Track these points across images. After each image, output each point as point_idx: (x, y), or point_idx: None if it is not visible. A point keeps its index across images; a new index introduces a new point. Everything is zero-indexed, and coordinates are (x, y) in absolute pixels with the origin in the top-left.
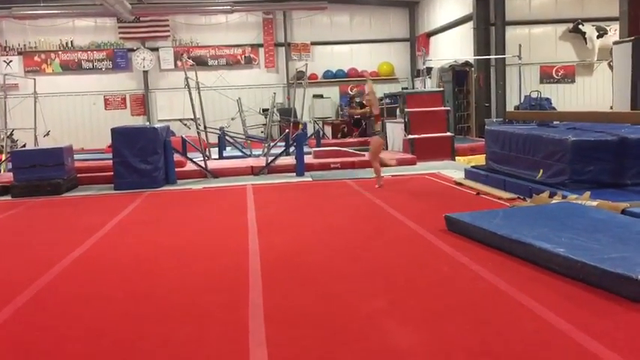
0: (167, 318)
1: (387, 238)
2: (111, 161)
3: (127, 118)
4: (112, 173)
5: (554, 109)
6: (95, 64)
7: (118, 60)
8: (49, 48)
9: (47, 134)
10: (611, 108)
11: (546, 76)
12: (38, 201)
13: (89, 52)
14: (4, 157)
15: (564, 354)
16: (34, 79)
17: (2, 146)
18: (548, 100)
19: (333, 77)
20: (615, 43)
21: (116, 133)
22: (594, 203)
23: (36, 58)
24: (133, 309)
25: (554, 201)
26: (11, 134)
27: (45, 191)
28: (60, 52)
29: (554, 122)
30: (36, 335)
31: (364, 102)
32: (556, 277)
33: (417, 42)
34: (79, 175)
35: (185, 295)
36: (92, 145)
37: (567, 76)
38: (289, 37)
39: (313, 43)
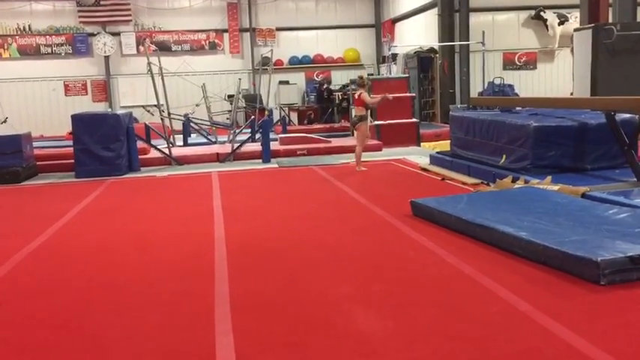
0: (131, 308)
1: (354, 224)
2: (71, 148)
3: (88, 105)
4: (73, 161)
5: (516, 95)
6: (54, 49)
7: (78, 45)
8: (5, 32)
9: (4, 121)
10: (572, 94)
11: (509, 62)
12: None
13: (48, 37)
14: None
15: (526, 335)
16: None
17: None
18: (510, 86)
19: (298, 63)
20: (576, 30)
21: (77, 119)
22: (555, 187)
23: None
24: (96, 299)
25: (516, 185)
26: None
27: (3, 180)
28: (17, 37)
29: (517, 108)
30: None
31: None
32: (519, 260)
33: (383, 28)
34: (38, 163)
35: (149, 284)
36: (52, 132)
37: (529, 62)
38: (254, 22)
39: (278, 29)
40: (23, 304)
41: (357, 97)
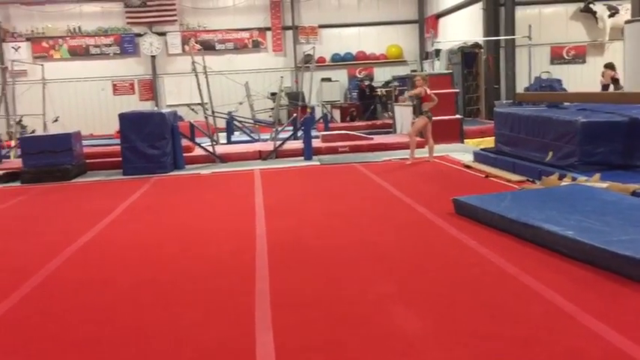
0: (173, 303)
1: (395, 222)
2: (119, 147)
3: (135, 104)
4: (121, 158)
5: (564, 90)
6: (103, 49)
7: (126, 45)
8: (56, 34)
9: (56, 120)
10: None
11: (557, 56)
12: (47, 187)
13: (97, 38)
14: (13, 143)
15: (570, 336)
16: (42, 65)
17: (12, 132)
18: (558, 81)
19: (341, 60)
20: (627, 22)
21: (124, 118)
22: (604, 185)
23: (44, 44)
24: (140, 294)
25: (563, 183)
26: (20, 120)
27: (54, 177)
28: (68, 38)
29: (565, 103)
30: (43, 320)
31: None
32: (564, 260)
33: (426, 24)
34: (87, 161)
35: (192, 280)
36: (101, 130)
37: (578, 56)
38: (297, 20)
39: (321, 26)
40: (70, 297)
41: (428, 93)
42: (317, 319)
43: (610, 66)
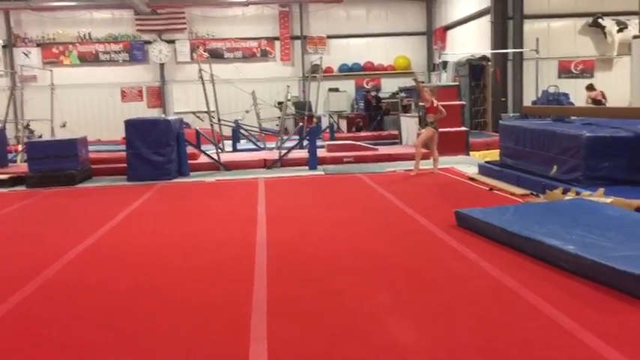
0: (171, 310)
1: (396, 233)
2: (125, 153)
3: (143, 110)
4: (126, 165)
5: (572, 104)
6: (112, 56)
7: (135, 52)
8: (67, 40)
9: (64, 125)
10: (630, 103)
11: (565, 70)
12: (52, 191)
13: (106, 44)
14: (20, 147)
15: (568, 353)
16: (51, 71)
17: (20, 137)
18: (565, 95)
19: (348, 71)
20: (635, 37)
21: (129, 125)
22: (608, 200)
23: (54, 50)
24: (138, 301)
25: (567, 197)
26: (28, 125)
27: (59, 182)
28: (77, 44)
29: (571, 117)
30: (41, 324)
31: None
32: (565, 275)
33: (434, 35)
34: (93, 166)
35: (190, 288)
36: (108, 136)
37: (586, 70)
38: (305, 30)
39: (329, 37)
40: (69, 302)
41: (435, 105)
42: (312, 329)
43: (590, 87)
